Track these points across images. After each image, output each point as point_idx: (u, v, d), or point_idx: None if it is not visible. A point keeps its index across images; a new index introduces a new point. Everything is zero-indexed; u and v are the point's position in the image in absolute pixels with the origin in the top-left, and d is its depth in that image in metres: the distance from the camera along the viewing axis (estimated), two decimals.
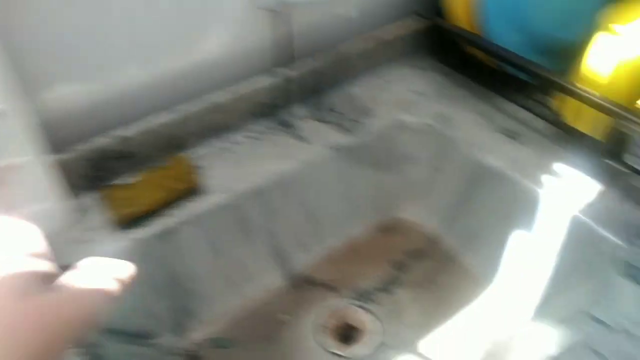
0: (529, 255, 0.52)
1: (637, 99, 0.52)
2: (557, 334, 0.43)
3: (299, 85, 0.61)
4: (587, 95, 0.50)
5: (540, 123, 0.58)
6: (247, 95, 0.57)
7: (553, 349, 0.37)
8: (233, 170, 0.55)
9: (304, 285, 0.56)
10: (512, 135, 0.57)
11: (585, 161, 0.53)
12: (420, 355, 0.49)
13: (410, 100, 0.63)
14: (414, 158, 0.62)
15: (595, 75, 0.51)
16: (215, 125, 0.57)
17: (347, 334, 0.51)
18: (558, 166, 0.53)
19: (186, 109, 0.54)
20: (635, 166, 0.49)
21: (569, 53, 0.56)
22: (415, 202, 0.63)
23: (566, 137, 0.55)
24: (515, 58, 0.55)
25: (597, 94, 0.49)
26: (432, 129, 0.60)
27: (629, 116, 0.47)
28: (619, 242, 0.45)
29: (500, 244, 0.55)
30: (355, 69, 0.65)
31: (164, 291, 0.51)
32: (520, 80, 0.58)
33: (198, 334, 0.52)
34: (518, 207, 0.53)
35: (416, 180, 0.63)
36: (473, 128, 0.59)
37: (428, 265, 0.57)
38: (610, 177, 0.51)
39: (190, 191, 0.51)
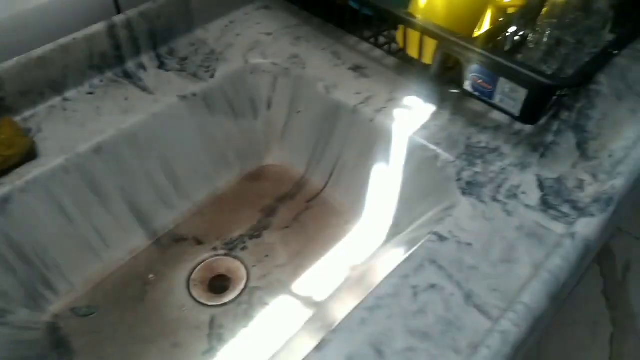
0: (386, 184, 0.55)
1: (474, 27, 0.56)
2: (404, 253, 0.47)
3: (137, 32, 0.57)
4: (416, 23, 0.52)
5: (387, 57, 0.60)
6: (74, 47, 0.52)
7: (400, 267, 0.40)
8: (69, 128, 0.51)
9: (171, 243, 0.55)
10: (361, 70, 0.59)
11: (424, 88, 0.56)
12: (287, 292, 0.51)
13: (259, 41, 0.62)
14: (271, 101, 0.62)
15: (429, 5, 0.53)
16: (43, 82, 0.52)
17: (218, 284, 0.52)
18: (401, 96, 0.56)
19: (4, 65, 0.48)
20: (466, 89, 0.52)
21: None
22: (279, 146, 0.63)
23: (409, 67, 0.58)
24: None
25: (422, 21, 0.51)
26: (285, 70, 0.60)
27: (455, 40, 0.49)
28: (451, 158, 0.49)
29: (361, 177, 0.58)
30: (199, 13, 0.63)
31: (10, 266, 0.47)
32: (366, 15, 0.59)
33: (57, 305, 0.49)
34: (372, 140, 0.55)
35: (277, 124, 0.63)
36: (324, 66, 0.59)
37: (296, 207, 0.58)
38: (442, 100, 0.55)
39: (21, 156, 0.47)
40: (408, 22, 0.53)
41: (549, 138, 0.51)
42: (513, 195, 0.46)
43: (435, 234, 0.42)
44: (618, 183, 0.45)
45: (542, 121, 0.52)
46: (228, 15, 0.66)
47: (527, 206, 0.45)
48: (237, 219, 0.57)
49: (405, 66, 0.58)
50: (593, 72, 0.47)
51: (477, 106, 0.54)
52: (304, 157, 0.62)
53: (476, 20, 0.54)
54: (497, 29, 0.56)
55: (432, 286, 0.39)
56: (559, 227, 0.43)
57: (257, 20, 0.66)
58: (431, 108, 0.54)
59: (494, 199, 0.45)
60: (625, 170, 0.46)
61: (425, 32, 0.52)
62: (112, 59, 0.57)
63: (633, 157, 0.48)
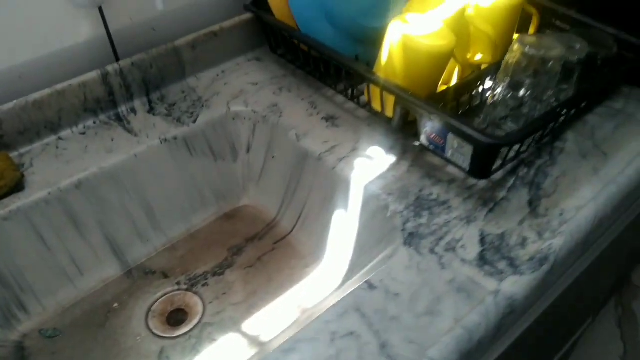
0: (344, 230, 0.57)
1: (437, 82, 0.58)
2: (338, 300, 0.48)
3: (130, 80, 0.63)
4: (374, 79, 0.55)
5: (359, 109, 0.63)
6: (69, 92, 0.58)
7: (326, 313, 0.42)
8: (57, 165, 0.56)
9: (141, 275, 0.58)
10: (333, 121, 0.62)
11: (389, 140, 0.58)
12: (236, 330, 0.53)
13: (245, 91, 0.67)
14: (250, 146, 0.66)
15: (390, 63, 0.56)
16: (40, 123, 0.58)
17: (176, 317, 0.54)
18: (365, 146, 0.58)
19: (4, 107, 0.54)
20: (422, 142, 0.54)
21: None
22: (256, 188, 0.67)
23: (377, 120, 0.61)
24: (321, 48, 0.60)
25: (381, 78, 0.54)
26: (264, 118, 0.63)
27: (405, 97, 0.52)
28: (400, 208, 0.50)
29: (324, 223, 0.60)
30: (192, 63, 0.68)
31: None
32: (339, 68, 0.62)
33: (26, 326, 0.53)
34: (333, 187, 0.57)
35: (255, 167, 0.66)
36: (300, 115, 0.63)
37: (263, 248, 0.61)
38: (404, 152, 0.56)
39: (9, 188, 0.52)
40: (368, 79, 0.56)
41: (502, 194, 0.51)
42: (452, 248, 0.46)
43: (367, 282, 0.44)
44: (556, 243, 0.45)
45: (498, 176, 0.53)
46: (221, 65, 0.72)
47: (463, 260, 0.45)
48: (205, 256, 0.60)
49: (374, 118, 0.61)
50: (533, 132, 0.48)
51: (435, 160, 0.55)
52: (277, 200, 0.64)
53: (438, 76, 0.56)
54: (463, 85, 0.58)
55: (351, 333, 0.40)
56: (490, 284, 0.43)
57: (247, 70, 0.71)
58: (392, 159, 0.56)
59: (432, 251, 0.46)
60: (567, 230, 0.46)
61: (383, 88, 0.54)
62: (106, 103, 0.63)
63: (580, 216, 0.48)
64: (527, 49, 0.50)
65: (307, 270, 0.58)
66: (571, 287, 0.55)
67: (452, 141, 0.50)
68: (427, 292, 0.43)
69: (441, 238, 0.47)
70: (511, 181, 0.53)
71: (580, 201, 0.50)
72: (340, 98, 0.65)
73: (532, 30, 0.68)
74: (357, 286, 0.43)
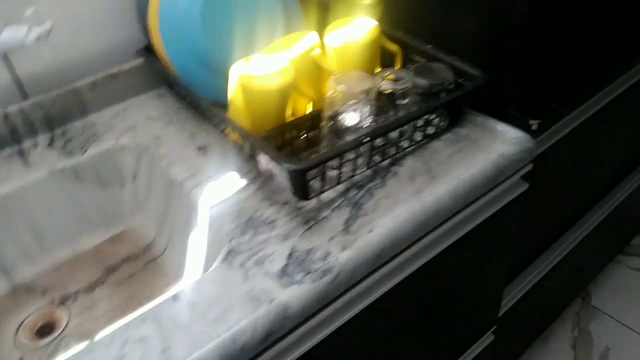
0: (196, 249, 0.63)
1: (280, 115, 0.64)
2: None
3: (32, 118, 0.71)
4: (224, 119, 0.61)
5: (227, 139, 0.69)
6: None
7: (130, 320, 0.47)
8: None
9: (22, 292, 0.65)
10: (204, 150, 0.68)
11: (246, 166, 0.64)
12: (88, 340, 0.59)
13: (137, 125, 0.74)
14: (137, 174, 0.72)
15: (233, 100, 0.62)
16: None
17: (43, 330, 0.60)
18: (223, 172, 0.63)
19: None
20: (262, 169, 0.60)
21: None
22: (140, 213, 0.73)
23: (240, 147, 0.67)
24: (186, 94, 0.67)
25: (226, 118, 0.61)
26: (146, 148, 0.70)
27: (242, 133, 0.58)
28: (231, 227, 0.55)
29: (185, 244, 0.65)
30: (93, 101, 0.76)
31: None
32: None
33: None
34: (190, 211, 0.63)
35: (140, 194, 0.72)
36: (177, 146, 0.69)
37: (135, 268, 0.67)
38: (255, 177, 0.62)
39: None
40: (218, 117, 0.62)
41: (325, 213, 0.56)
42: (260, 263, 0.51)
43: (174, 295, 0.49)
44: (343, 256, 0.49)
45: (329, 197, 0.58)
46: (123, 102, 0.79)
47: (266, 273, 0.50)
48: (83, 275, 0.66)
49: (240, 147, 0.67)
50: (328, 159, 0.52)
51: (280, 184, 0.60)
52: (155, 224, 0.70)
53: (278, 110, 0.62)
54: (300, 119, 0.64)
55: (142, 339, 0.45)
56: (277, 293, 0.47)
57: (146, 106, 0.78)
58: (243, 183, 0.62)
59: (242, 266, 0.51)
60: (358, 245, 0.50)
61: (225, 122, 0.61)
62: (10, 139, 0.71)
63: (374, 233, 0.52)
64: (339, 86, 0.56)
65: (167, 288, 0.63)
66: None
67: (276, 168, 0.55)
68: (223, 302, 0.47)
69: (255, 254, 0.52)
70: (338, 202, 0.57)
71: (390, 220, 0.54)
72: (216, 129, 0.71)
73: (398, 65, 0.73)
74: (164, 298, 0.49)
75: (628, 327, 1.33)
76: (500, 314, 0.91)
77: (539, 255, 0.97)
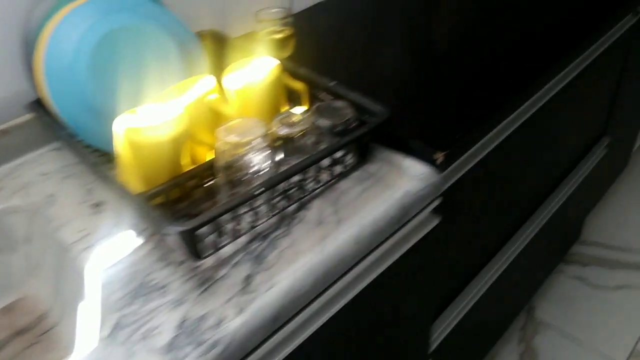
0: (87, 320, 0.57)
1: (174, 165, 0.60)
2: None
3: None
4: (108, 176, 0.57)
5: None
6: None
7: None
8: None
9: None
10: (100, 207, 0.63)
11: (143, 223, 0.59)
12: None
13: (30, 183, 0.68)
14: (31, 237, 0.66)
15: (119, 153, 0.58)
16: None
17: None
18: (117, 231, 0.59)
19: None
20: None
21: None
22: (34, 280, 0.67)
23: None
24: (76, 148, 0.62)
25: (112, 175, 0.57)
26: (38, 209, 0.65)
27: (122, 192, 0.54)
28: (120, 296, 0.51)
29: (75, 313, 0.60)
30: None
31: None
32: None
33: None
34: (79, 276, 0.57)
35: (33, 259, 0.67)
36: (70, 204, 0.64)
37: (27, 341, 0.60)
38: (151, 234, 0.58)
39: None
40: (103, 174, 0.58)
41: (224, 271, 0.52)
42: (146, 337, 0.46)
43: None
44: (236, 322, 0.45)
45: (228, 253, 0.54)
46: (18, 158, 0.73)
47: (151, 349, 0.45)
48: None
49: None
50: (219, 215, 0.49)
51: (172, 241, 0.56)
52: (51, 292, 0.65)
53: (175, 160, 0.58)
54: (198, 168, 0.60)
55: None
56: None
57: (43, 161, 0.72)
58: (139, 242, 0.57)
59: (127, 341, 0.46)
60: (255, 306, 0.47)
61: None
62: None
63: (273, 291, 0.48)
64: (228, 137, 0.53)
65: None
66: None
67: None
68: None
69: (142, 326, 0.47)
70: (239, 257, 0.54)
71: (289, 273, 0.51)
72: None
73: (304, 103, 0.71)
74: None
75: (573, 336, 1.34)
76: (433, 348, 0.88)
77: (467, 285, 0.94)
